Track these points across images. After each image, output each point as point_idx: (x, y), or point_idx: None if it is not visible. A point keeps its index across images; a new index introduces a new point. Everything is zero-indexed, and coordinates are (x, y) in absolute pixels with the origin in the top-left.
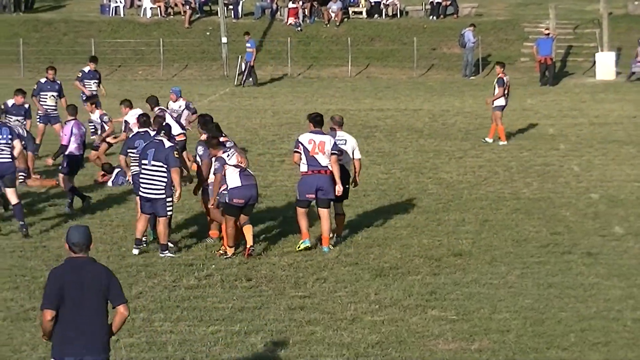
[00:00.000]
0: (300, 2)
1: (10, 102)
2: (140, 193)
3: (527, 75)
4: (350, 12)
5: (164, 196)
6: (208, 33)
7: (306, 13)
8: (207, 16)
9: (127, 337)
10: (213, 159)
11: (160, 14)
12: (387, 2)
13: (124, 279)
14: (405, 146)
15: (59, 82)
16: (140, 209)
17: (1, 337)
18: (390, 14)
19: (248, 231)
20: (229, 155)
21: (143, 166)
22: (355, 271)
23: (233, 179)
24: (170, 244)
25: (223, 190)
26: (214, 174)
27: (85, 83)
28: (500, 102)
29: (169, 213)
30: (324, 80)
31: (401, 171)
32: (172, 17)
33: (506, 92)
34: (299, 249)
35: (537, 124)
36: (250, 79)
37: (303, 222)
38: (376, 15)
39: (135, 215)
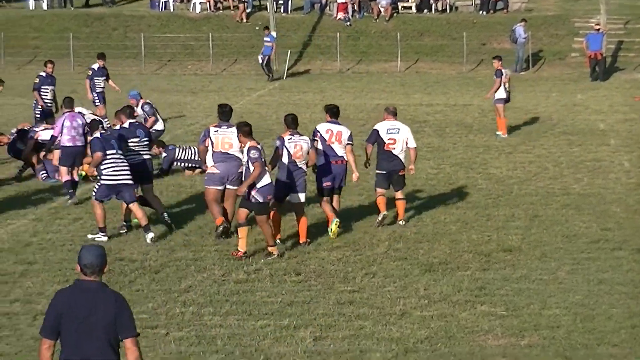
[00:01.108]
0: None
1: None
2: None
3: (578, 71)
4: (399, 7)
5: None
6: (257, 28)
7: (355, 8)
8: (257, 11)
9: (176, 330)
10: (246, 149)
11: (210, 9)
12: None
13: (174, 273)
14: (454, 141)
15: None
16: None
17: None
18: (439, 8)
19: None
20: (260, 150)
21: (111, 155)
22: (404, 266)
23: (264, 177)
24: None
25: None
26: (253, 163)
27: (96, 80)
28: (501, 94)
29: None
30: (373, 75)
31: (451, 166)
32: (221, 11)
33: (506, 85)
34: (332, 231)
35: (587, 119)
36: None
37: (327, 208)
38: (425, 10)
39: (186, 209)
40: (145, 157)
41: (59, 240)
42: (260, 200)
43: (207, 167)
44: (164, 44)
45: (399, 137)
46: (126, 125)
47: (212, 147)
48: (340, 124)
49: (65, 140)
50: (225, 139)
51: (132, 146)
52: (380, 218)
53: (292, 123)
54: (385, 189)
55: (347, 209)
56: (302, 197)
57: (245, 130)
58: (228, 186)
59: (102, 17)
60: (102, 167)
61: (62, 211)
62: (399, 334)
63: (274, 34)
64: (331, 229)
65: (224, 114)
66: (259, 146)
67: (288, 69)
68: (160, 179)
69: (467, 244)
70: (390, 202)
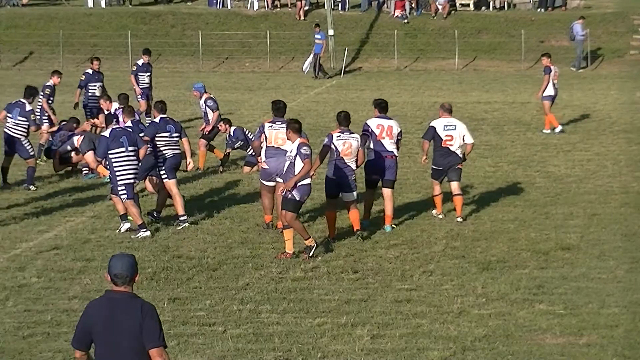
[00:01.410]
0: None
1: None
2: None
3: (636, 68)
4: (457, 4)
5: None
6: (315, 25)
7: (413, 5)
8: (315, 8)
9: (233, 328)
10: (296, 145)
11: (267, 6)
12: None
13: (231, 270)
14: (512, 139)
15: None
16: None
17: None
18: (497, 6)
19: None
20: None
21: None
22: (462, 264)
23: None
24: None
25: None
26: (304, 159)
27: (140, 76)
28: (549, 91)
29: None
30: (430, 73)
31: (508, 164)
32: (278, 9)
33: (554, 81)
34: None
35: None
36: (320, 72)
37: (370, 201)
38: (483, 8)
39: (244, 207)
40: (176, 151)
41: (117, 238)
42: (297, 198)
43: (261, 162)
44: (221, 42)
45: (455, 133)
46: (157, 120)
47: (266, 142)
48: (390, 119)
49: None
50: (279, 134)
51: (162, 141)
52: (435, 214)
53: (343, 120)
54: (440, 182)
55: (404, 207)
56: (354, 195)
57: (295, 127)
58: (279, 179)
59: (159, 15)
60: (115, 166)
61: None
62: (456, 332)
63: (331, 31)
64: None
65: (279, 109)
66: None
67: (345, 67)
68: (216, 173)
69: (525, 242)
70: (446, 197)
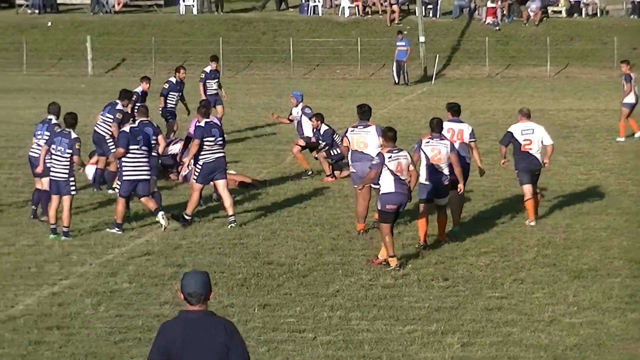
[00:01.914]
0: (499, 1)
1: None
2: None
3: None
4: (549, 11)
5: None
6: (405, 32)
7: (504, 12)
8: (406, 15)
9: (323, 334)
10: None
11: (358, 13)
12: (587, 1)
13: (321, 277)
14: (605, 147)
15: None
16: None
17: None
18: (590, 13)
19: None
20: (391, 157)
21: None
22: (553, 272)
23: (387, 183)
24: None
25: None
26: (370, 168)
27: (207, 83)
28: (630, 99)
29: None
30: (522, 80)
31: (601, 172)
32: (369, 16)
33: (636, 89)
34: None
35: None
36: (403, 79)
37: (456, 206)
38: (575, 15)
39: (334, 213)
40: (219, 155)
41: (207, 244)
42: (379, 207)
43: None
44: (312, 49)
45: (534, 137)
46: (202, 124)
47: (349, 146)
48: (461, 122)
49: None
50: (360, 138)
51: (207, 145)
52: (528, 223)
53: (436, 127)
54: (530, 183)
55: (495, 214)
56: (447, 200)
57: (388, 135)
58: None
59: (251, 22)
60: (123, 163)
61: (211, 214)
62: (547, 340)
63: (422, 38)
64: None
65: (364, 113)
66: (389, 154)
67: (436, 74)
68: (308, 176)
69: (618, 251)
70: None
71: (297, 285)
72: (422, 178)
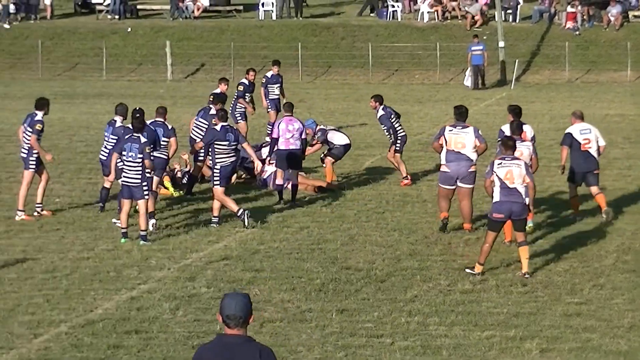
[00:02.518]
0: (579, 6)
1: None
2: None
3: None
4: (630, 15)
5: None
6: (485, 37)
7: (585, 17)
8: (486, 21)
9: (401, 340)
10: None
11: (437, 18)
12: None
13: (399, 282)
14: None
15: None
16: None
17: (278, 338)
18: None
19: (523, 254)
20: (501, 164)
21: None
22: (632, 278)
23: (496, 191)
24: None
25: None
26: (485, 177)
27: (269, 88)
28: None
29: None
30: (602, 85)
31: None
32: (448, 20)
33: None
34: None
35: None
36: (477, 83)
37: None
38: None
39: (412, 218)
40: (232, 159)
41: (285, 249)
42: (488, 214)
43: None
44: (391, 54)
45: (591, 136)
46: (217, 127)
47: (446, 145)
48: (524, 124)
49: (280, 143)
50: (459, 138)
51: (221, 148)
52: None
53: (516, 129)
54: (577, 185)
55: (573, 220)
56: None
57: (508, 144)
58: (460, 184)
59: (330, 27)
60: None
61: (289, 219)
62: (627, 347)
63: (501, 43)
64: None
65: (461, 114)
66: (499, 160)
67: (516, 79)
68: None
69: None
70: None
71: (375, 290)
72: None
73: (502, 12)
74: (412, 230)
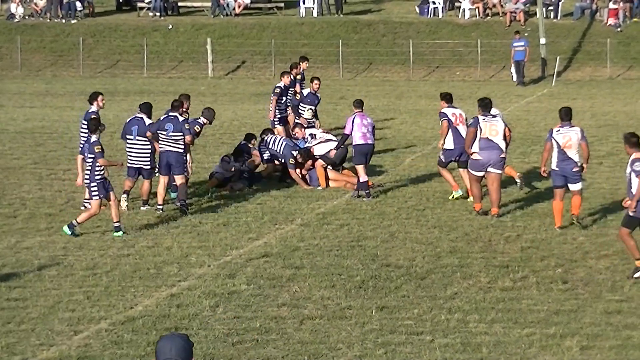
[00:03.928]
0: (621, 3)
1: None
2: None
3: None
4: None
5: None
6: (526, 34)
7: (626, 13)
8: (528, 17)
9: (441, 337)
10: (630, 160)
11: (479, 15)
12: None
13: (439, 279)
14: None
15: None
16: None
17: (318, 335)
18: None
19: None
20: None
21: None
22: None
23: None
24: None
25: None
26: (638, 175)
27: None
28: None
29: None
30: None
31: None
32: (489, 17)
33: None
34: None
35: None
36: (520, 79)
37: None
38: None
39: (453, 215)
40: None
41: (325, 246)
42: (630, 214)
43: (469, 152)
44: (432, 50)
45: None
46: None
47: (480, 133)
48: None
49: (357, 138)
50: (492, 126)
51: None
52: None
53: (565, 115)
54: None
55: (615, 216)
56: (580, 185)
57: (632, 141)
58: (490, 170)
59: (370, 24)
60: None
61: (330, 217)
62: None
63: (543, 40)
64: None
65: (486, 105)
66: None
67: (557, 75)
68: (424, 182)
69: None
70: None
71: (415, 287)
72: (554, 165)
73: (544, 9)
74: (453, 227)
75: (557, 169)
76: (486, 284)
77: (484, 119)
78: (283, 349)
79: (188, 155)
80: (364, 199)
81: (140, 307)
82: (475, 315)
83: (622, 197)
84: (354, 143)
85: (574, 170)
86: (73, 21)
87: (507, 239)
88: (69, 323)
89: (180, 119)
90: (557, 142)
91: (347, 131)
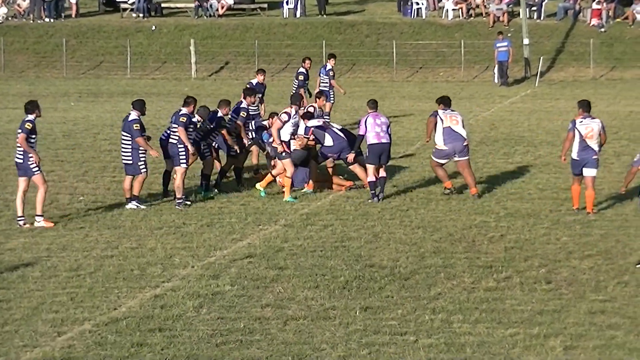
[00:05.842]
0: (604, 3)
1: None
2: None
3: None
4: None
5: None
6: (510, 35)
7: (610, 14)
8: (510, 17)
9: (425, 337)
10: None
11: (462, 16)
12: None
13: (423, 280)
14: None
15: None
16: None
17: (302, 336)
18: None
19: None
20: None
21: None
22: None
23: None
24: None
25: None
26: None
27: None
28: None
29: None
30: (627, 82)
31: None
32: (473, 18)
33: None
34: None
35: None
36: (503, 79)
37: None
38: None
39: (437, 216)
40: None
41: (309, 247)
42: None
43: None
44: (415, 51)
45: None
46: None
47: (442, 124)
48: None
49: (371, 137)
50: (452, 117)
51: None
52: None
53: (586, 107)
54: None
55: (598, 217)
56: (594, 171)
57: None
58: (457, 158)
59: (354, 25)
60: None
61: (313, 217)
62: None
63: (526, 40)
64: None
65: (446, 103)
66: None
67: (541, 76)
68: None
69: None
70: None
71: (399, 288)
72: (574, 154)
73: (527, 9)
74: (436, 227)
75: (577, 158)
76: (470, 285)
77: (444, 112)
78: (267, 349)
79: (189, 146)
80: (369, 199)
81: (124, 308)
82: (459, 315)
83: (605, 197)
84: (367, 143)
85: (593, 157)
86: (55, 21)
87: (491, 240)
88: (53, 324)
89: (182, 112)
90: (579, 132)
91: (361, 132)
